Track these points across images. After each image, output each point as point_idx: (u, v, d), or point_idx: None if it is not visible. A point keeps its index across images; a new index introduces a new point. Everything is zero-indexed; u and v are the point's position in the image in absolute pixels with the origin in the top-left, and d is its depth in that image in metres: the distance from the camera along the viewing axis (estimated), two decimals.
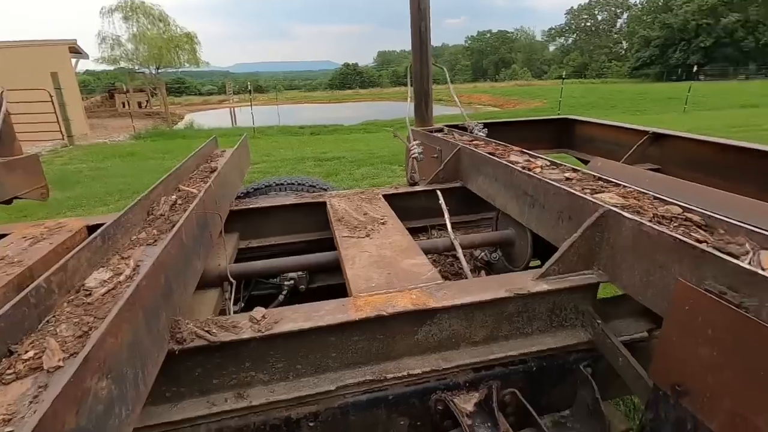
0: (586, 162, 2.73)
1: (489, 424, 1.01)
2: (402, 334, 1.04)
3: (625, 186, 1.27)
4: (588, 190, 1.25)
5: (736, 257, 0.85)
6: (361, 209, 1.70)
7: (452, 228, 1.77)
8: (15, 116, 2.29)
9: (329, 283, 1.81)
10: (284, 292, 1.78)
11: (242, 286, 1.84)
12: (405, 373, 1.03)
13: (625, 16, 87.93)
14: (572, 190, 1.22)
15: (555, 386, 1.16)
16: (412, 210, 1.96)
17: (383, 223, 1.54)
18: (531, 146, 2.99)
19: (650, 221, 1.02)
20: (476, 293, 1.06)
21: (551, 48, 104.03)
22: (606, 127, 2.61)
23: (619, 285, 1.06)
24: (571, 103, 22.22)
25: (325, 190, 2.51)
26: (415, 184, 2.04)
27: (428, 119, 2.69)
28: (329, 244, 1.67)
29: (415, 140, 2.24)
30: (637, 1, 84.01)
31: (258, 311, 0.99)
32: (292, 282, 1.79)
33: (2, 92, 2.09)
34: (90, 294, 0.88)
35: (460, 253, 1.49)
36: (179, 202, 1.42)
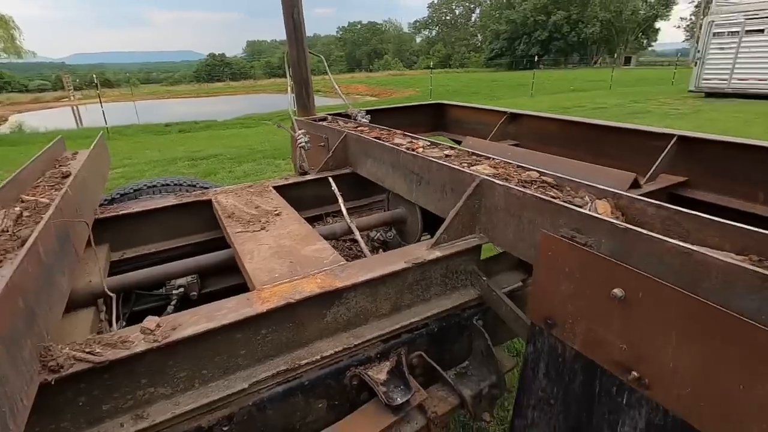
0: (459, 142, 3.01)
1: (402, 387, 1.08)
2: (311, 318, 1.04)
3: (494, 158, 1.45)
4: (465, 164, 1.39)
5: (580, 207, 1.05)
6: (252, 203, 1.63)
7: (347, 212, 1.81)
8: None
9: (224, 285, 1.71)
10: (173, 302, 1.63)
11: (120, 303, 1.63)
12: (318, 357, 1.04)
13: (478, 11, 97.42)
14: (452, 165, 1.34)
15: (454, 342, 1.29)
16: (304, 199, 1.94)
17: (278, 215, 1.51)
18: (410, 130, 3.17)
19: (516, 185, 1.19)
20: (378, 268, 1.12)
21: (418, 40, 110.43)
22: (473, 110, 2.91)
23: (497, 243, 1.22)
24: (439, 91, 24.00)
25: (207, 189, 2.34)
26: (305, 173, 2.02)
27: (311, 108, 2.67)
28: (221, 244, 1.57)
29: (300, 129, 2.21)
30: None
31: (151, 320, 0.90)
32: (181, 289, 1.64)
33: None
34: None
35: (357, 235, 1.53)
36: (26, 214, 1.19)
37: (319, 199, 1.98)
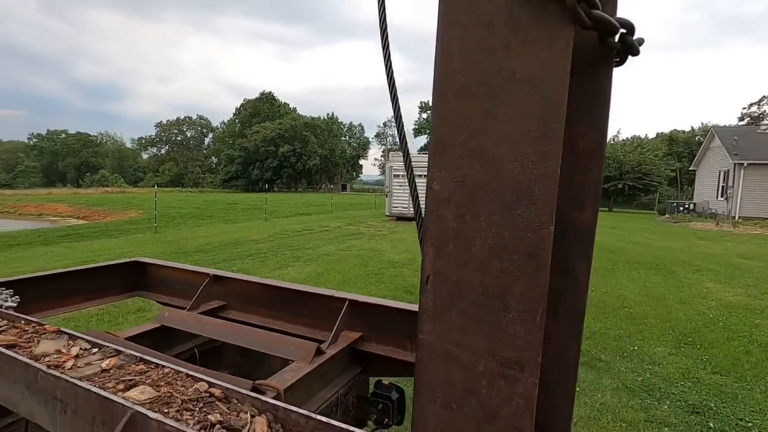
0: (163, 302, 2.71)
1: None
2: None
3: (164, 366, 1.30)
4: (122, 385, 1.19)
5: (238, 430, 1.03)
6: None
7: None
8: None
9: None
10: None
11: None
12: None
13: (211, 135, 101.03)
14: (102, 392, 1.12)
15: None
16: None
17: None
18: (98, 295, 2.68)
19: (178, 411, 1.08)
20: None
21: (145, 156, 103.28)
22: (176, 270, 2.72)
23: None
24: (170, 213, 22.35)
25: None
26: None
27: None
28: None
29: None
30: (219, 125, 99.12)
31: None
32: None
33: None
34: None
35: None
36: None
37: None
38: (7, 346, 1.38)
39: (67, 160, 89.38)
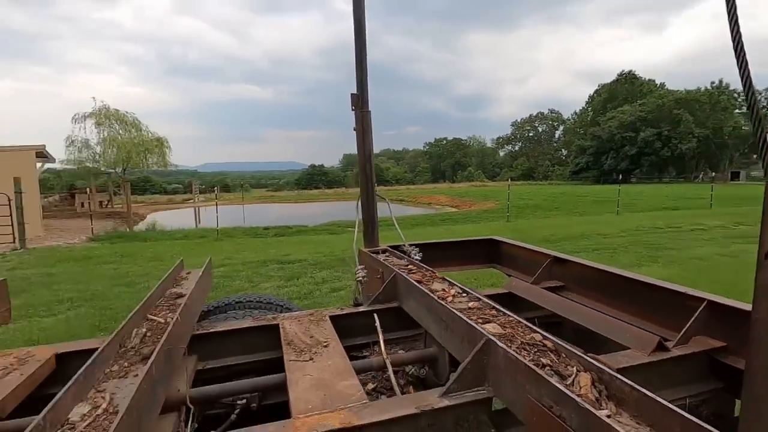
0: (509, 275, 3.18)
1: None
2: None
3: (509, 316, 1.65)
4: (480, 320, 1.61)
5: (564, 378, 1.21)
6: (308, 332, 1.98)
7: (387, 346, 2.05)
8: None
9: (278, 401, 1.99)
10: (236, 412, 1.94)
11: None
12: None
13: (561, 128, 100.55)
14: (469, 321, 1.57)
15: None
16: (354, 328, 2.25)
17: (326, 346, 1.82)
18: (466, 262, 3.46)
19: (517, 348, 1.38)
20: (393, 411, 1.33)
21: (501, 153, 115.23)
22: (523, 249, 3.12)
23: (500, 398, 1.37)
24: (520, 204, 24.22)
25: (281, 306, 2.77)
26: (359, 305, 2.35)
27: (375, 241, 3.11)
28: (281, 364, 1.90)
29: (360, 264, 2.61)
30: (570, 117, 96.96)
31: None
32: (244, 401, 1.96)
33: None
34: (74, 428, 1.09)
35: (390, 372, 1.76)
36: (149, 334, 1.66)
37: (368, 329, 2.26)
38: (417, 281, 2.13)
39: (446, 161, 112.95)
